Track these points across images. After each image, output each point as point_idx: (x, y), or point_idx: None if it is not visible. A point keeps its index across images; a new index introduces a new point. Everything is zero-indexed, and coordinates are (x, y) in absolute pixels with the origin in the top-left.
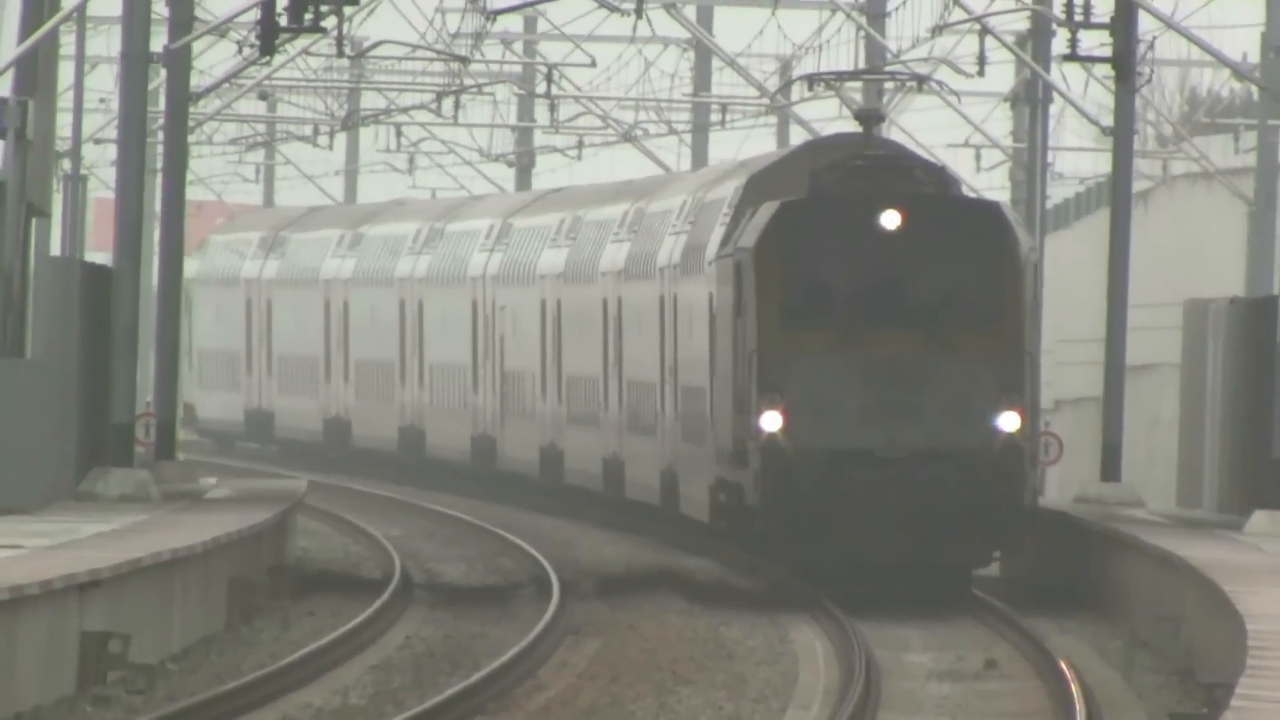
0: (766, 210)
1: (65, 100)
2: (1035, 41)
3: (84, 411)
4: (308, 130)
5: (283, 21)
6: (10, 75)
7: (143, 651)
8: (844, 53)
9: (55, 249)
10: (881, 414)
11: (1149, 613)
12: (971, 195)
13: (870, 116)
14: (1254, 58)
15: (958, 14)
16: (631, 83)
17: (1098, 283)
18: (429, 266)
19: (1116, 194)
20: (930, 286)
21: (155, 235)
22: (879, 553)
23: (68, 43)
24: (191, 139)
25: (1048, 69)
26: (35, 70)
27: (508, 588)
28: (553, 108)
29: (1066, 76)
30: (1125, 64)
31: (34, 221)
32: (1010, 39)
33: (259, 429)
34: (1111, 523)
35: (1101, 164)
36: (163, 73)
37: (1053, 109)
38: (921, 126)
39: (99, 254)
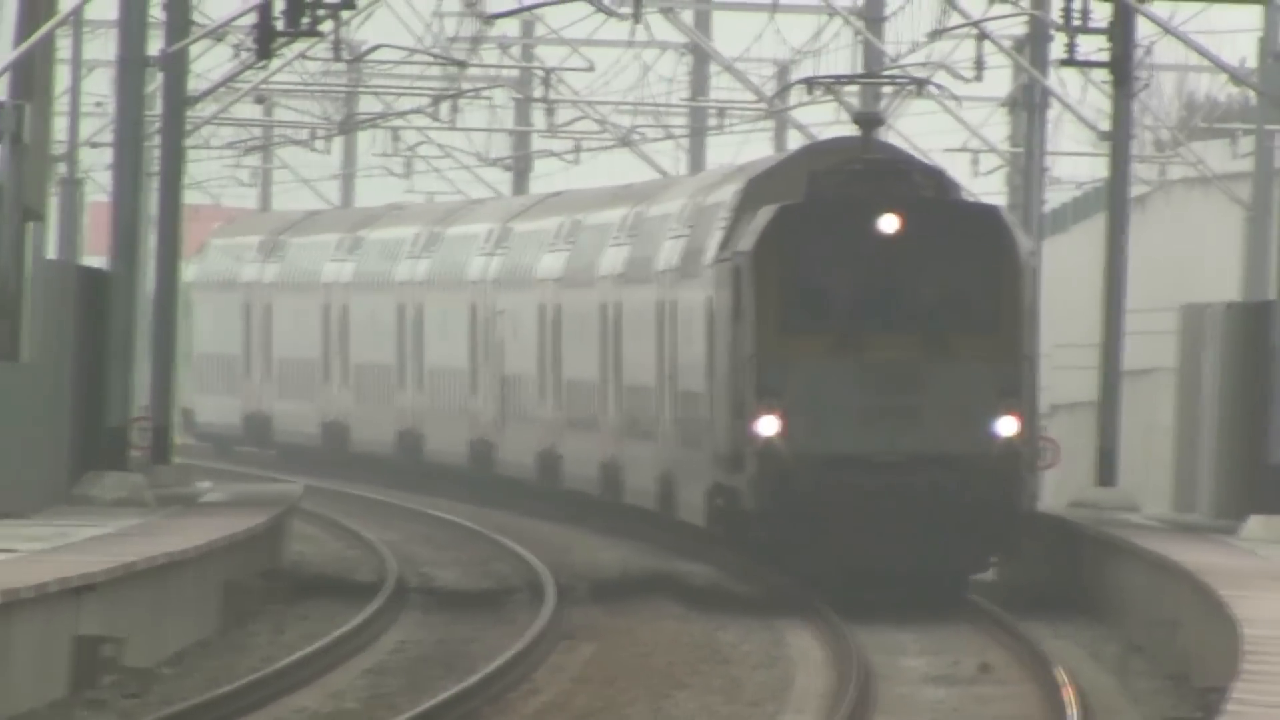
0: (764, 214)
1: (62, 104)
2: (1033, 46)
3: (79, 415)
4: (304, 134)
5: (280, 25)
6: (6, 79)
7: (137, 655)
8: (842, 57)
9: (51, 253)
10: (879, 419)
11: (1144, 617)
12: (970, 199)
13: (869, 120)
14: (1252, 63)
15: (956, 19)
16: (629, 87)
17: (1094, 287)
18: (428, 270)
19: (1113, 199)
20: (928, 291)
21: (152, 239)
22: (876, 558)
23: (64, 46)
24: (188, 143)
25: (1045, 74)
26: (32, 74)
27: (503, 592)
28: (550, 112)
29: (1064, 81)
30: (1123, 69)
31: (30, 225)
32: (1008, 44)
33: (257, 433)
34: (1107, 527)
35: (1099, 169)
36: (159, 76)
37: (1050, 114)
38: (919, 131)
39: (95, 258)
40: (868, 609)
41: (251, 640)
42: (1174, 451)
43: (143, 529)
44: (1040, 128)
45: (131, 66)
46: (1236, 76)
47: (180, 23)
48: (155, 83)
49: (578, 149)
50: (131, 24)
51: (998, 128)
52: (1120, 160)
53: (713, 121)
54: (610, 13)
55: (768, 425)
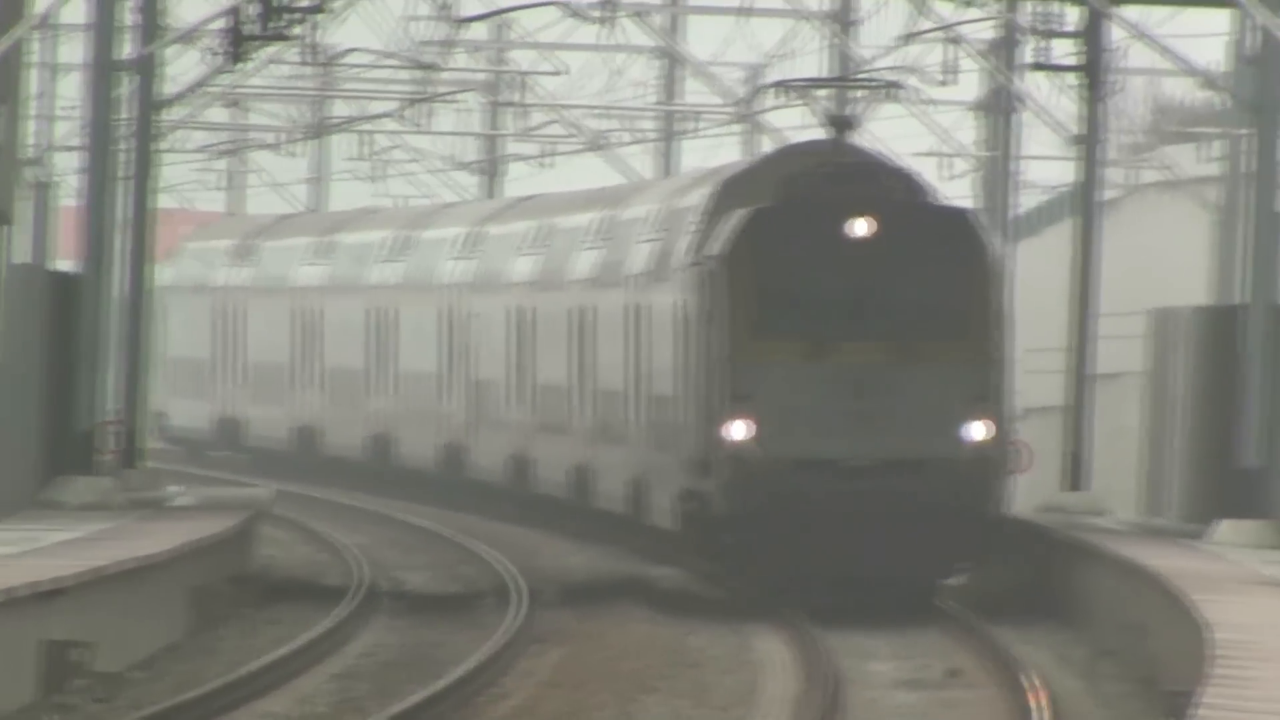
0: (736, 217)
1: (33, 108)
2: (1004, 50)
3: (48, 419)
4: (276, 138)
5: (251, 29)
6: None
7: (106, 660)
8: (813, 61)
9: (22, 256)
10: (850, 423)
11: (1113, 621)
12: (942, 203)
13: (842, 123)
14: (1222, 67)
15: (927, 23)
16: (600, 91)
17: (1064, 291)
18: (400, 274)
19: (1084, 203)
20: (900, 294)
21: (122, 243)
22: (846, 563)
23: (36, 50)
24: (159, 147)
25: (1016, 78)
26: (2, 78)
27: (472, 596)
28: (521, 116)
29: (1035, 85)
30: (1093, 73)
31: (4, 229)
32: (979, 48)
33: (229, 437)
34: (1076, 531)
35: (1069, 172)
36: (130, 80)
37: (1021, 117)
38: (890, 135)
39: (66, 262)
40: (836, 613)
41: (221, 644)
42: (1143, 455)
43: (112, 533)
44: (1011, 131)
45: (103, 70)
46: (1209, 81)
47: (152, 26)
48: (126, 86)
49: (549, 153)
50: (103, 28)
51: (968, 131)
52: (1091, 164)
53: (684, 125)
54: (581, 17)
55: (738, 429)
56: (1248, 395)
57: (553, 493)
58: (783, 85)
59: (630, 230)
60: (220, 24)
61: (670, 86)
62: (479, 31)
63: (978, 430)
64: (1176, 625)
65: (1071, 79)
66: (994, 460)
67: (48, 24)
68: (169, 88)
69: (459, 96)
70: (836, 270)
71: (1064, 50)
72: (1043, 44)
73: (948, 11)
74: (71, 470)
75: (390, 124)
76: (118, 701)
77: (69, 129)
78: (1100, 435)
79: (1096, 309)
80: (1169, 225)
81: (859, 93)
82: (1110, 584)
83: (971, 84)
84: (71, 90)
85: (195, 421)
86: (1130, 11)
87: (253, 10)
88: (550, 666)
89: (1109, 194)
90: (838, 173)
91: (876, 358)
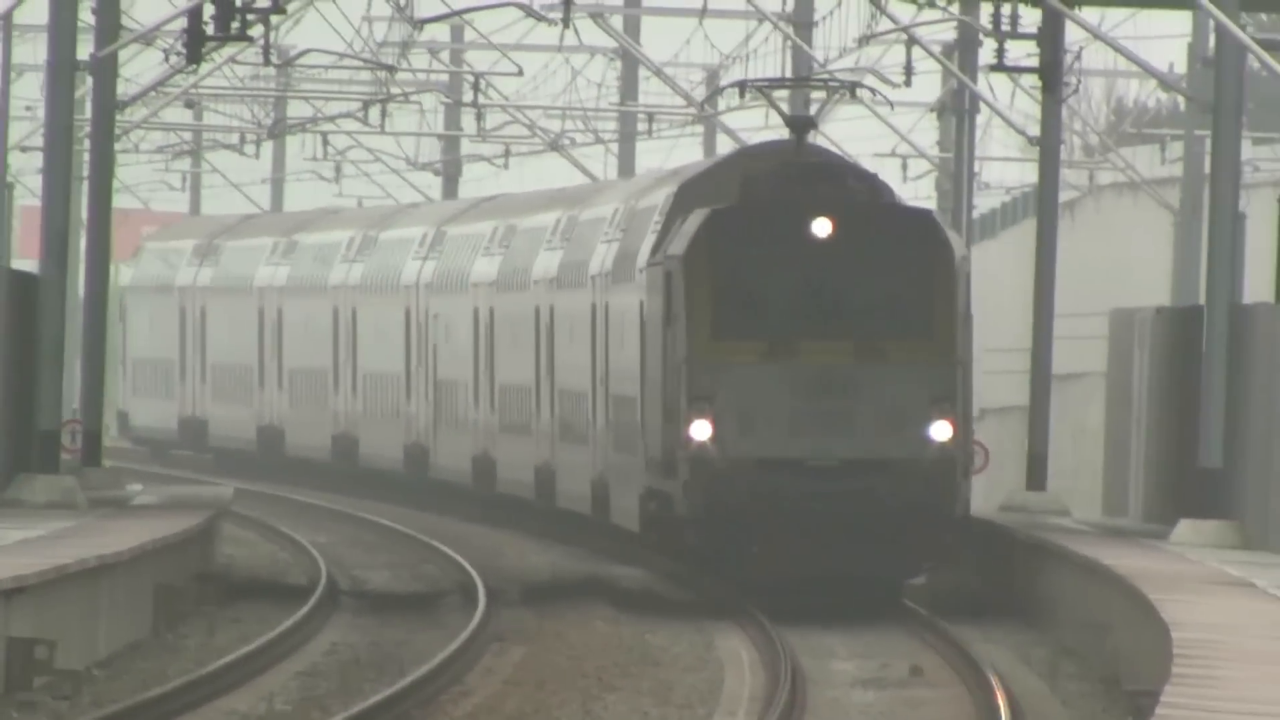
0: (696, 218)
1: None
2: (962, 52)
3: (10, 418)
4: (234, 138)
5: (209, 30)
6: None
7: (68, 658)
8: (771, 62)
9: None
10: (812, 424)
11: (1075, 621)
12: (904, 203)
13: (802, 124)
14: (1180, 69)
15: (885, 24)
16: (558, 92)
17: (1023, 292)
18: (363, 274)
19: (1043, 204)
20: (862, 295)
21: (82, 243)
22: (809, 563)
23: None
24: (118, 147)
25: (974, 79)
26: None
27: (435, 595)
28: (479, 116)
29: (993, 87)
30: (1052, 74)
31: None
32: (937, 49)
33: (193, 437)
34: (1037, 531)
35: (1028, 174)
36: (89, 80)
37: (979, 119)
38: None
39: (26, 262)
40: (798, 612)
41: (183, 642)
42: (1104, 456)
43: (74, 531)
44: (969, 133)
45: (61, 70)
46: (1166, 82)
47: (110, 27)
48: (85, 87)
49: (507, 153)
50: (61, 27)
51: (927, 133)
52: (1049, 165)
53: (642, 126)
54: (540, 18)
55: (700, 430)
56: (1209, 396)
57: (516, 493)
58: (743, 85)
59: (592, 230)
60: (178, 24)
61: (629, 87)
62: (437, 32)
63: (941, 430)
64: (1139, 625)
65: (1030, 80)
66: (957, 460)
67: (4, 23)
68: (127, 88)
69: (417, 97)
70: (797, 271)
71: (1022, 52)
72: (1001, 45)
73: (906, 13)
74: (34, 469)
75: (349, 124)
76: (81, 699)
77: (26, 129)
78: (1062, 435)
79: (1052, 309)
80: (1128, 226)
81: (818, 93)
82: (1072, 584)
83: (930, 85)
84: (28, 90)
85: (159, 421)
86: (1088, 13)
87: (211, 10)
88: (513, 665)
89: (1068, 195)
90: (798, 173)
91: (838, 358)
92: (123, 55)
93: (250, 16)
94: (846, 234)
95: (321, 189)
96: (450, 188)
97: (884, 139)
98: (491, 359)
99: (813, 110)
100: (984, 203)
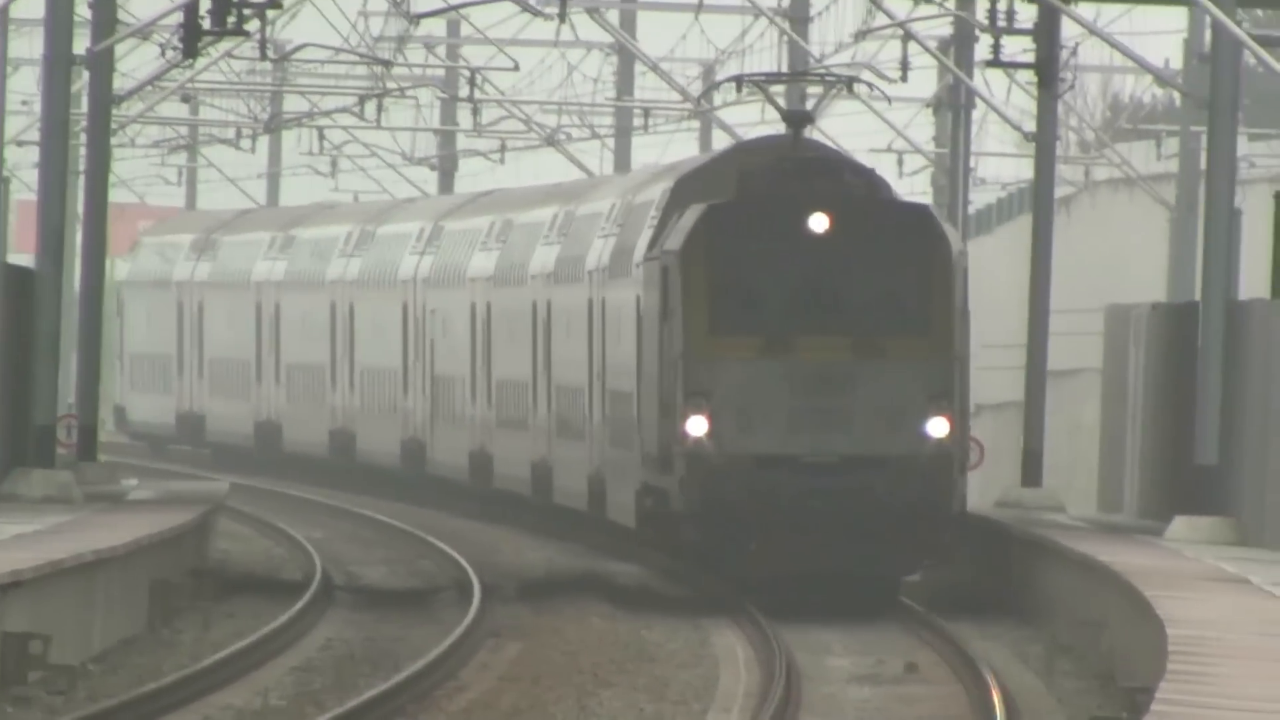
0: (693, 213)
1: None
2: (958, 47)
3: (5, 412)
4: (230, 133)
5: (206, 24)
6: None
7: (63, 652)
8: (767, 57)
9: None
10: (809, 420)
11: (1070, 617)
12: (901, 199)
13: (799, 118)
14: (1176, 64)
15: (881, 19)
16: (554, 87)
17: (1019, 288)
18: (360, 269)
19: (1039, 199)
20: (859, 291)
21: (78, 237)
22: (805, 560)
23: None
24: (114, 141)
25: (970, 74)
26: None
27: (430, 590)
28: (475, 111)
29: (989, 82)
30: (1048, 70)
31: None
32: (933, 44)
33: (190, 432)
34: (1033, 527)
35: (1024, 169)
36: (85, 75)
37: (975, 114)
38: (844, 131)
39: (22, 256)
40: (794, 609)
41: (178, 638)
42: (1100, 452)
43: (70, 526)
44: (965, 129)
45: (57, 65)
46: (1162, 78)
47: (106, 21)
48: (81, 81)
49: (503, 148)
50: (57, 22)
51: (923, 128)
52: (1045, 161)
53: (638, 121)
54: (536, 12)
55: (696, 426)
56: (1204, 392)
57: (513, 488)
58: (740, 80)
59: (589, 225)
60: (175, 19)
61: (624, 82)
62: (433, 27)
63: (938, 427)
64: (1134, 621)
65: (1025, 76)
66: (954, 457)
67: (2, 18)
68: (123, 83)
69: (413, 92)
70: (794, 266)
71: (1018, 47)
72: (997, 41)
73: (902, 8)
74: (29, 464)
75: (345, 119)
76: (75, 694)
77: (23, 123)
78: (1058, 432)
79: (1048, 305)
80: (1124, 222)
81: (814, 88)
82: (1068, 580)
83: (926, 81)
84: (24, 84)
85: (157, 416)
86: (1084, 9)
87: (207, 5)
88: (508, 661)
89: (1063, 191)
90: (795, 168)
91: (835, 354)
92: (119, 50)
93: (246, 11)
94: (844, 229)
95: (317, 184)
96: (446, 183)
97: (880, 134)
98: (488, 354)
99: (809, 105)
100: (980, 198)
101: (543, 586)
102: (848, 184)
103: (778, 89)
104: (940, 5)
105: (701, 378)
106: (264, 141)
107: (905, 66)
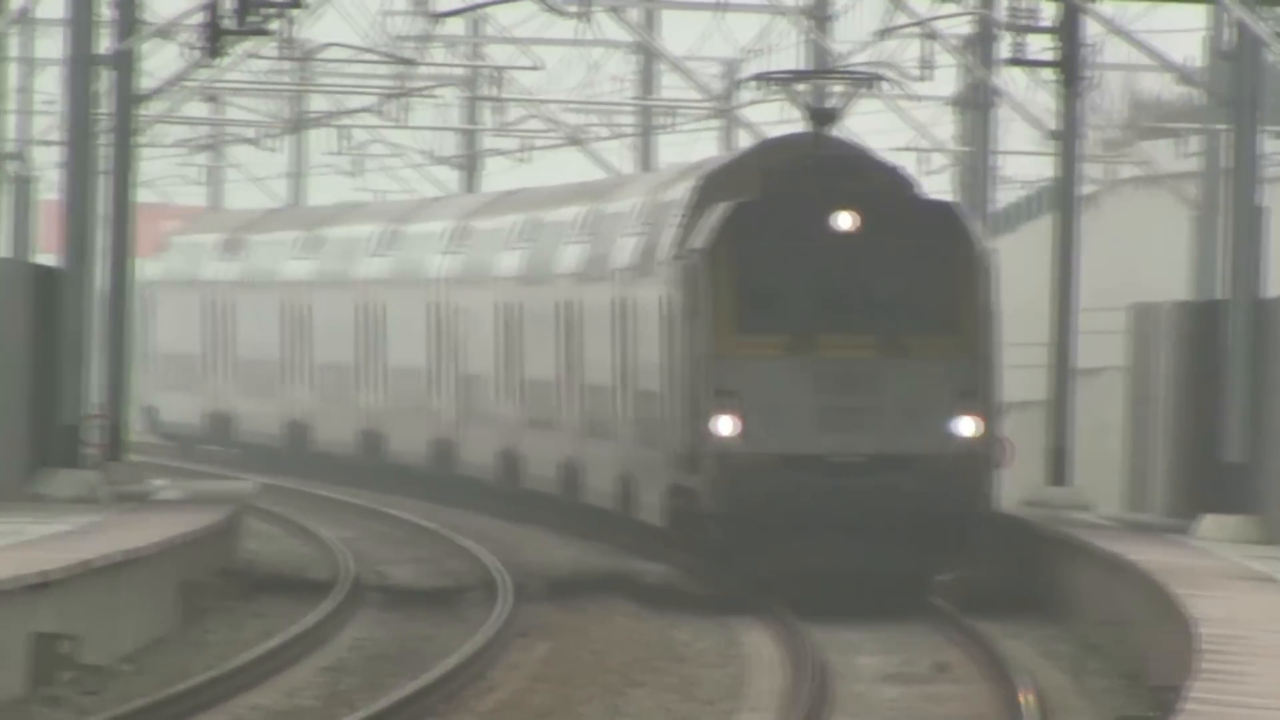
0: (719, 211)
1: (16, 102)
2: (980, 45)
3: (32, 412)
4: (254, 133)
5: (229, 24)
6: None
7: (93, 653)
8: (789, 56)
9: (3, 250)
10: (836, 419)
11: (1098, 616)
12: (928, 196)
13: (824, 116)
14: (1197, 62)
15: (903, 18)
16: (577, 85)
17: (1042, 287)
18: (388, 269)
19: (1062, 198)
20: (885, 288)
21: (103, 237)
22: (833, 559)
23: (13, 45)
24: (138, 141)
25: (993, 73)
26: None
27: (459, 590)
28: (499, 110)
29: (1012, 80)
30: (1070, 68)
31: None
32: (955, 43)
33: (220, 432)
34: (1061, 526)
35: (1047, 168)
36: (109, 75)
37: (998, 113)
38: (866, 130)
39: (47, 256)
40: (822, 607)
41: (208, 638)
42: (1125, 450)
43: (98, 526)
44: (988, 127)
45: (80, 65)
46: (1185, 76)
47: (129, 21)
48: (105, 81)
49: (527, 148)
50: (80, 22)
51: (946, 126)
52: (1069, 159)
53: (661, 120)
54: (558, 12)
55: (724, 425)
56: (1230, 390)
57: (542, 488)
58: (764, 78)
59: (615, 224)
60: (198, 19)
61: (647, 81)
62: (456, 26)
63: (965, 426)
64: (1163, 620)
65: (1048, 74)
66: (982, 456)
67: (25, 18)
68: (147, 82)
69: (436, 91)
70: (820, 264)
71: (1040, 45)
72: (1019, 39)
73: (923, 6)
74: (56, 464)
75: (368, 119)
76: (106, 694)
77: (48, 123)
78: (1083, 430)
79: (1077, 304)
80: (1148, 220)
81: (838, 87)
82: (1096, 579)
83: (948, 79)
84: (48, 85)
85: (186, 416)
86: (1106, 7)
87: (230, 5)
88: (537, 660)
89: (1087, 189)
90: (821, 166)
91: (862, 352)
92: (142, 49)
93: (268, 11)
94: (870, 227)
95: (341, 183)
96: (470, 181)
97: (902, 133)
98: (516, 354)
99: (832, 104)
100: (1003, 197)
101: (571, 586)
102: (874, 181)
103: (802, 86)
104: (962, 3)
105: (728, 377)
106: (288, 141)
107: (927, 65)
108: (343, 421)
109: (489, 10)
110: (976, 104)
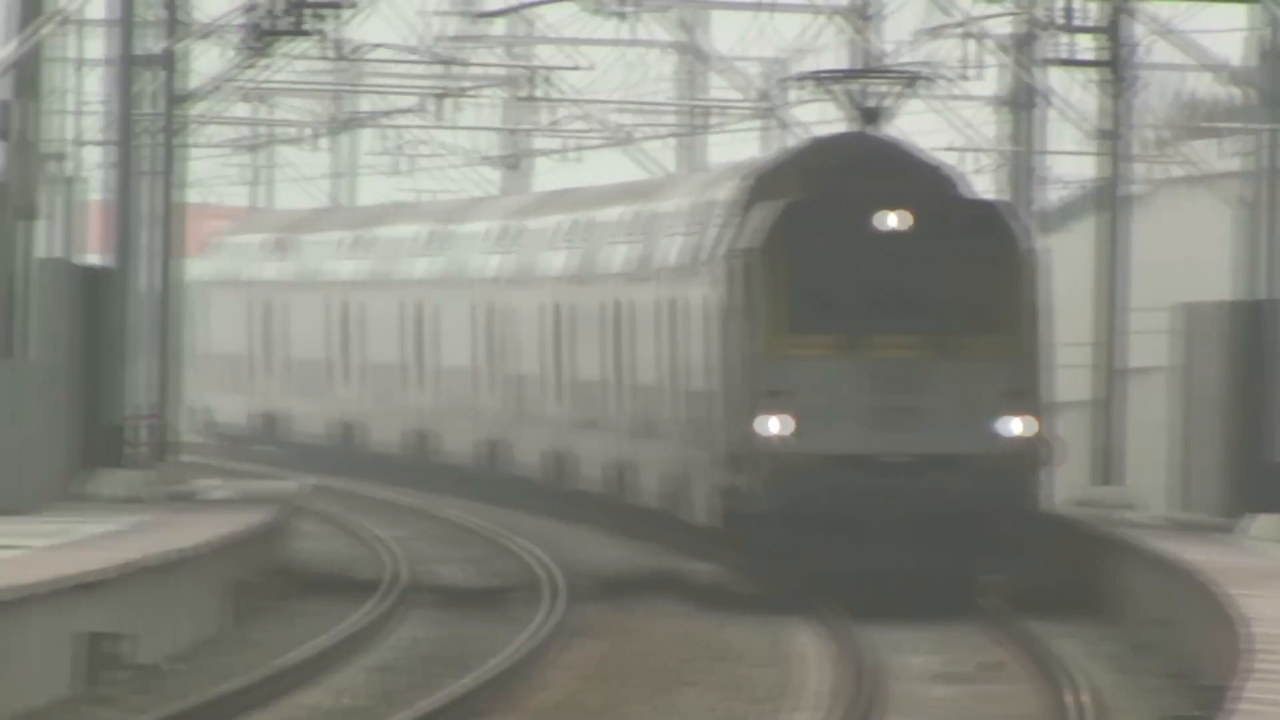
0: (768, 210)
1: (60, 102)
2: (1025, 46)
3: (80, 412)
4: (300, 132)
5: (275, 24)
6: (6, 78)
7: (144, 652)
8: (833, 56)
9: (49, 251)
10: (886, 419)
11: (1148, 616)
12: (977, 195)
13: (872, 115)
14: (1243, 62)
15: (947, 18)
16: (623, 85)
17: (1088, 287)
18: (437, 268)
19: (1109, 198)
20: (934, 288)
21: (149, 237)
22: (883, 559)
23: (62, 45)
24: (184, 141)
25: (1039, 73)
26: (27, 72)
27: (508, 590)
28: (544, 110)
29: (1059, 80)
30: (1116, 68)
31: (28, 223)
32: (1001, 42)
33: (270, 432)
34: (1110, 526)
35: (1092, 168)
36: (155, 75)
37: (1044, 113)
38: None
39: (93, 256)
40: (872, 606)
41: (258, 637)
42: (1172, 450)
43: (147, 526)
44: (1033, 127)
45: (127, 65)
46: (1229, 75)
47: (175, 21)
48: (150, 81)
49: (572, 147)
50: (127, 22)
51: (991, 126)
52: (1114, 160)
53: (706, 120)
54: (603, 12)
55: (773, 425)
56: (1277, 389)
57: (591, 488)
58: (811, 77)
59: (663, 224)
60: (243, 19)
61: (692, 81)
62: (501, 26)
63: (1014, 425)
64: (1212, 620)
65: (1094, 74)
66: (1031, 456)
67: (72, 19)
68: (193, 82)
69: (482, 91)
70: (869, 263)
71: (1086, 45)
72: (1064, 39)
73: (968, 6)
74: (103, 464)
75: (414, 119)
76: (157, 693)
77: (95, 124)
78: (1129, 430)
79: (1124, 303)
80: (1194, 220)
81: (884, 86)
82: (1145, 578)
83: (994, 79)
84: (96, 85)
85: (236, 416)
86: (1152, 6)
87: (276, 5)
88: (587, 660)
89: (1133, 189)
90: (870, 165)
91: (911, 352)
92: (187, 49)
93: (314, 11)
94: (920, 226)
95: (387, 183)
96: (516, 182)
97: (948, 133)
98: (565, 354)
99: (878, 103)
100: (1049, 197)
101: (621, 586)
102: (924, 180)
103: (846, 86)
104: (1006, 3)
105: (778, 377)
106: (333, 141)
107: (974, 65)
108: (392, 421)
109: (535, 10)
110: (1022, 104)
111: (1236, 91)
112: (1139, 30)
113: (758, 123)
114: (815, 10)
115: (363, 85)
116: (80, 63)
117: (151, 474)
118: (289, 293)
